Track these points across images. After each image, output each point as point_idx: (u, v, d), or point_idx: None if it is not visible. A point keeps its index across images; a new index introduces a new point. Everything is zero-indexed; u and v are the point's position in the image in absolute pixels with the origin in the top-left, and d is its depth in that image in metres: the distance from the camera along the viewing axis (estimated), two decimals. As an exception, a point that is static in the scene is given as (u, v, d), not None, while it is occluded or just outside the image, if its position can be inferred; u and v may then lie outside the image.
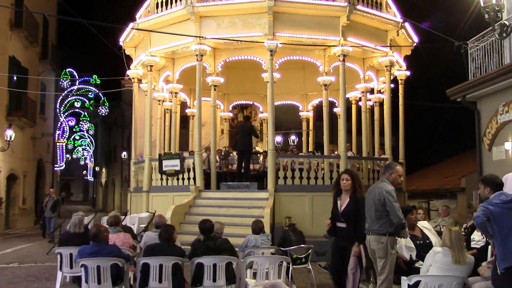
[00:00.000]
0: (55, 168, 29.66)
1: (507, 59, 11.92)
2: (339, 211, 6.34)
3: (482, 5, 7.24)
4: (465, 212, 16.69)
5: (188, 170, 14.33)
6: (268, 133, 14.55)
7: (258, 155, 16.90)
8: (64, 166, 30.98)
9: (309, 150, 19.17)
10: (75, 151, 41.98)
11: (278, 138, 21.98)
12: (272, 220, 12.13)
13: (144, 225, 12.86)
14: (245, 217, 12.11)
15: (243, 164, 14.71)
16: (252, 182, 14.09)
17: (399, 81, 16.56)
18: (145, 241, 7.98)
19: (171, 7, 14.51)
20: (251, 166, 15.54)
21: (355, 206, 6.24)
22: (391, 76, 15.83)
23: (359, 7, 14.03)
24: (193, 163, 14.22)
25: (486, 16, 7.19)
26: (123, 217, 12.08)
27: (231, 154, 16.86)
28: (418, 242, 7.24)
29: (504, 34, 7.17)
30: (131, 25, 15.45)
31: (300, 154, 16.88)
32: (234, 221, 12.12)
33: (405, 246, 6.85)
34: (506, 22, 7.07)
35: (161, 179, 14.81)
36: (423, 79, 25.88)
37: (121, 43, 16.82)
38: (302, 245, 8.52)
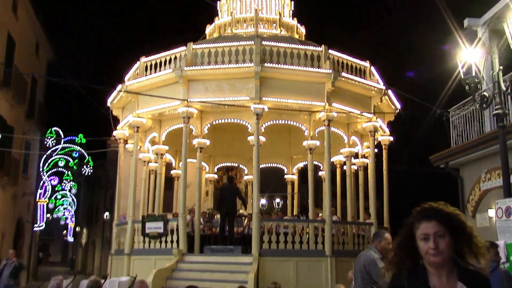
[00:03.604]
0: (35, 228, 29.01)
1: (488, 128, 12.22)
2: None
3: (462, 77, 7.53)
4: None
5: (172, 233, 14.11)
6: (253, 195, 14.50)
7: (243, 218, 16.76)
8: (44, 226, 30.33)
9: (294, 213, 19.07)
10: (56, 210, 41.19)
11: (263, 201, 21.91)
12: (256, 286, 11.87)
13: (124, 290, 12.49)
14: (229, 282, 11.82)
15: (227, 227, 14.58)
16: (236, 246, 13.88)
17: (383, 146, 16.79)
18: (125, 307, 7.74)
19: (160, 70, 14.78)
20: (235, 229, 15.38)
21: None
22: (375, 141, 16.07)
23: (343, 74, 14.41)
24: (177, 226, 14.03)
25: (467, 87, 7.46)
26: (102, 280, 11.72)
27: (216, 217, 16.69)
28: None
29: (485, 105, 7.42)
30: (119, 87, 15.65)
31: (285, 217, 16.77)
32: (218, 286, 11.85)
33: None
34: (486, 94, 7.33)
35: (144, 241, 14.53)
36: (406, 144, 26.31)
37: (108, 104, 16.95)
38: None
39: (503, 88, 7.42)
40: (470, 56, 7.52)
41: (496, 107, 7.41)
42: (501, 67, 7.51)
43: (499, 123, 7.59)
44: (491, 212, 11.80)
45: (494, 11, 11.39)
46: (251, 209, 14.98)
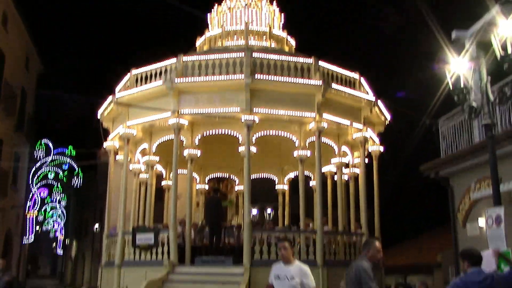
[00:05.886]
0: (24, 241, 28.72)
1: (477, 137, 12.33)
2: None
3: (451, 88, 7.63)
4: (442, 289, 16.59)
5: (162, 244, 14.05)
6: (244, 206, 14.50)
7: (234, 229, 16.73)
8: (33, 238, 30.04)
9: (285, 224, 19.07)
10: (46, 223, 40.91)
11: (254, 211, 21.89)
12: (248, 297, 11.85)
13: (114, 302, 12.40)
14: (220, 294, 11.82)
15: (214, 238, 14.62)
16: (227, 257, 13.85)
17: (373, 157, 16.89)
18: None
19: (150, 82, 14.80)
20: (227, 240, 15.36)
21: None
22: (365, 152, 16.15)
23: (333, 85, 14.52)
24: (168, 237, 13.97)
25: (456, 98, 7.56)
26: (93, 293, 11.66)
27: (206, 228, 16.65)
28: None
29: (473, 116, 7.51)
30: (109, 98, 15.64)
31: (276, 228, 16.77)
32: (209, 298, 11.80)
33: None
34: (474, 104, 7.43)
35: (134, 253, 14.44)
36: (397, 154, 26.44)
37: (99, 116, 16.90)
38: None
39: (491, 98, 7.52)
40: (458, 67, 7.63)
41: (484, 117, 7.51)
42: (489, 78, 7.62)
43: (487, 133, 7.67)
44: (482, 222, 11.87)
45: (482, 23, 11.55)
46: (242, 219, 14.96)
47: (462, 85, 7.57)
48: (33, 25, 27.46)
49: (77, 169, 29.36)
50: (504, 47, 6.78)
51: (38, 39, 28.75)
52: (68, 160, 28.52)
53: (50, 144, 28.11)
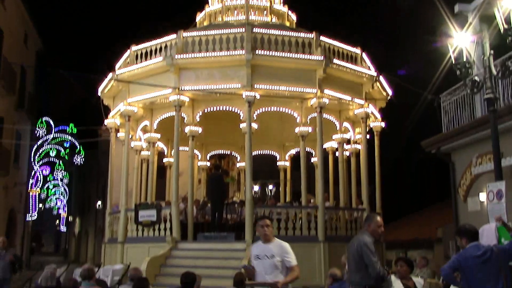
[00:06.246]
0: (27, 218, 28.92)
1: (479, 112, 12.29)
2: None
3: (453, 62, 7.57)
4: (443, 263, 16.70)
5: (165, 221, 14.14)
6: (245, 183, 14.54)
7: (236, 205, 16.80)
8: (36, 216, 30.23)
9: (287, 200, 19.14)
10: (48, 200, 41.13)
11: (256, 188, 21.96)
12: (250, 272, 11.93)
13: (118, 278, 12.52)
14: (223, 269, 11.91)
15: (216, 214, 14.69)
16: (229, 233, 13.94)
17: (375, 133, 16.84)
18: (120, 295, 7.77)
19: (150, 59, 14.70)
20: (229, 216, 15.44)
21: None
22: (367, 128, 16.10)
23: (335, 61, 14.40)
24: (170, 214, 14.06)
25: (458, 72, 7.50)
26: (96, 269, 11.77)
27: (208, 205, 16.72)
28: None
29: (475, 90, 7.47)
30: (110, 75, 15.55)
31: (278, 204, 16.84)
32: (211, 272, 11.89)
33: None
34: (477, 78, 7.38)
35: (137, 229, 14.54)
36: (398, 130, 26.41)
37: (99, 93, 16.83)
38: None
39: (494, 72, 7.46)
40: (461, 41, 7.57)
41: (487, 91, 7.47)
42: (492, 52, 7.55)
43: (490, 108, 7.64)
44: (482, 196, 11.91)
45: (485, -4, 11.41)
46: (244, 196, 15.02)
47: (464, 59, 7.52)
48: (31, 2, 27.20)
49: (78, 146, 29.36)
50: (507, 21, 6.71)
51: (36, 16, 28.49)
52: (69, 137, 28.51)
53: (51, 122, 28.09)
